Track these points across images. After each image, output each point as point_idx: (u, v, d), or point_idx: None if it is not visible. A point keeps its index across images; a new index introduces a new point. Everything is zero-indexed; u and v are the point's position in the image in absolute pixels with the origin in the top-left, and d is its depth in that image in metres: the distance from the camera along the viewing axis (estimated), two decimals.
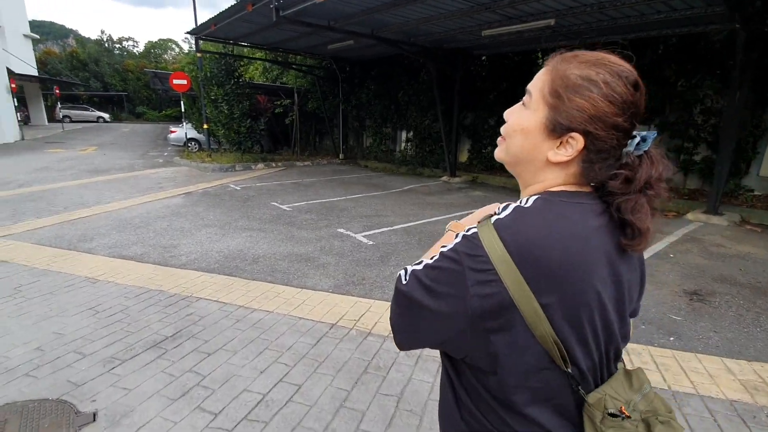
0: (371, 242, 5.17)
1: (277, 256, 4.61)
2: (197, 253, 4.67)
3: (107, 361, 2.52)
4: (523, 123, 0.69)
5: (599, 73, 0.62)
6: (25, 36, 25.66)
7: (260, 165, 12.07)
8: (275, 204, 7.32)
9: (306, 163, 13.22)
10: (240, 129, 11.81)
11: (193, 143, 15.52)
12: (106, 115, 33.39)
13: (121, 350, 2.65)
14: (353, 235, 5.47)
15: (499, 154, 0.76)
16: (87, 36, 58.84)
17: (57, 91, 26.20)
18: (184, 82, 12.32)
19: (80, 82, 34.51)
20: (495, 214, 0.67)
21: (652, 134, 0.66)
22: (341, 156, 14.27)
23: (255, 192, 8.47)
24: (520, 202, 0.68)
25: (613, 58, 0.64)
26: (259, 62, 16.50)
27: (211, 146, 12.78)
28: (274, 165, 12.38)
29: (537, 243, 0.61)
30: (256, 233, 5.49)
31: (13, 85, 17.87)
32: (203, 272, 4.10)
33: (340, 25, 7.96)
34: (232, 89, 11.51)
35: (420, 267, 0.68)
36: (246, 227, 5.78)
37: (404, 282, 0.68)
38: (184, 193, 8.19)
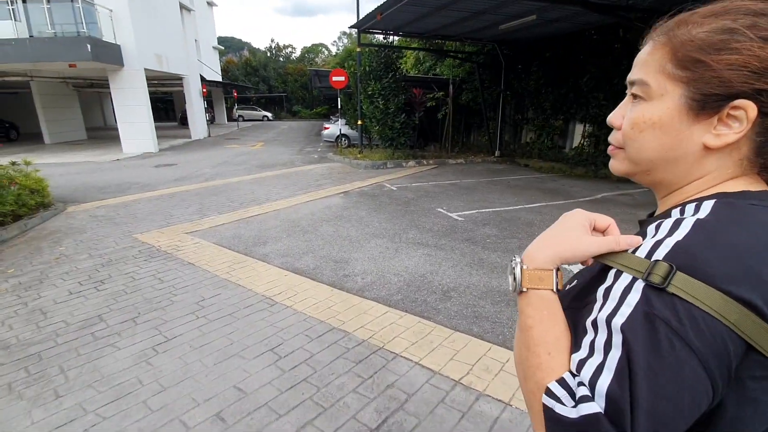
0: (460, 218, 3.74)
1: (473, 291, 3.55)
2: (373, 275, 3.92)
3: None
4: (648, 116, 0.53)
5: (735, 19, 0.48)
6: (214, 48, 30.37)
7: (411, 162, 11.41)
8: (442, 211, 6.36)
9: (458, 160, 12.10)
10: (394, 125, 11.27)
11: (343, 139, 15.83)
12: (269, 114, 37.73)
13: None
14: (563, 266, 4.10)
15: (620, 166, 0.60)
16: (257, 47, 68.35)
17: (235, 94, 30.39)
18: (342, 78, 12.36)
19: (251, 86, 39.76)
20: (652, 242, 0.48)
21: None
22: (497, 153, 12.75)
23: (413, 194, 7.69)
24: (690, 214, 0.50)
25: (737, 3, 0.49)
26: (411, 54, 15.92)
27: (363, 142, 12.62)
28: (425, 162, 11.59)
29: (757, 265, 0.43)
30: (434, 251, 4.55)
31: (204, 90, 20.98)
32: (387, 306, 3.27)
33: None
34: (389, 83, 11.00)
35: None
36: (419, 241, 4.90)
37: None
38: (342, 193, 7.87)
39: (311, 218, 6.05)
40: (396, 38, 13.07)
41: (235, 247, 4.83)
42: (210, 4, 30.00)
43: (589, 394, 0.44)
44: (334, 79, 12.40)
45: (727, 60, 0.47)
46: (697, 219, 0.47)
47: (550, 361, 0.49)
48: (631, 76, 0.56)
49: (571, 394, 0.45)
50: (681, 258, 0.44)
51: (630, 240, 0.51)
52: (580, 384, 0.45)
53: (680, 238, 0.46)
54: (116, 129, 14.87)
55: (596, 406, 0.43)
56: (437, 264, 4.16)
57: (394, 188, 8.30)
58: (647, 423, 0.41)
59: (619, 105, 0.59)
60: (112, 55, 13.13)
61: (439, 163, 11.74)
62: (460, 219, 5.87)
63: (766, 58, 0.46)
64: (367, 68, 11.26)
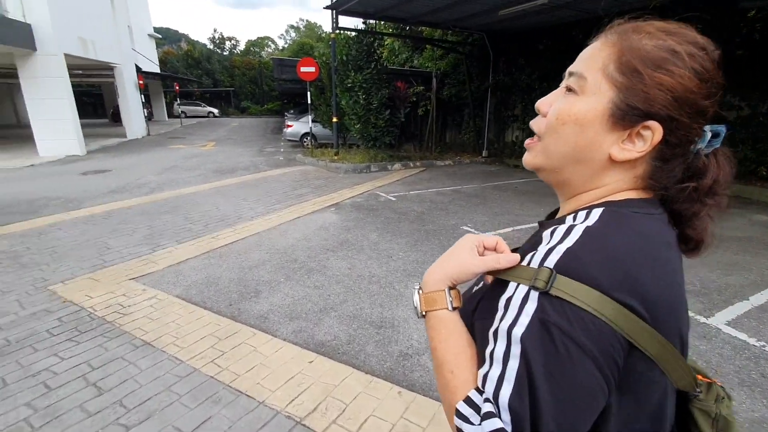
0: (756, 341, 2.68)
1: None
2: None
3: None
4: (575, 111, 0.53)
5: (680, 43, 0.49)
6: (150, 36, 27.03)
7: (397, 165, 10.10)
8: (469, 230, 5.13)
9: (446, 162, 10.97)
10: (377, 122, 9.86)
11: (309, 138, 14.18)
12: (215, 110, 34.66)
13: None
14: (705, 320, 2.99)
15: (533, 159, 0.59)
16: (196, 39, 63.34)
17: (177, 88, 27.27)
18: (313, 69, 10.76)
19: (195, 79, 36.31)
20: (547, 249, 0.49)
21: (723, 128, 0.52)
22: (485, 153, 11.78)
23: (419, 206, 6.41)
24: (581, 220, 0.51)
25: (688, 29, 0.51)
26: (389, 42, 14.50)
27: (339, 142, 11.11)
28: (411, 165, 10.33)
29: (640, 278, 0.46)
30: None
31: (141, 82, 18.25)
32: None
33: None
34: (371, 75, 9.56)
35: (508, 390, 0.44)
36: None
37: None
38: (332, 206, 6.42)
39: (308, 246, 4.58)
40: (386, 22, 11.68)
41: (212, 302, 3.29)
42: None
43: (494, 410, 0.44)
44: (303, 69, 10.77)
45: (660, 79, 0.48)
46: (587, 226, 0.49)
47: (453, 379, 0.50)
48: (573, 66, 0.55)
49: (478, 411, 0.46)
50: (568, 262, 0.46)
51: (509, 258, 0.52)
52: (487, 400, 0.45)
53: (571, 244, 0.47)
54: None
55: (499, 422, 0.43)
56: None
57: (393, 198, 6.97)
58: (552, 428, 0.41)
59: (552, 92, 0.58)
60: (19, 36, 10.55)
61: (427, 165, 10.55)
62: None
63: (688, 88, 0.48)
64: (345, 57, 9.76)
